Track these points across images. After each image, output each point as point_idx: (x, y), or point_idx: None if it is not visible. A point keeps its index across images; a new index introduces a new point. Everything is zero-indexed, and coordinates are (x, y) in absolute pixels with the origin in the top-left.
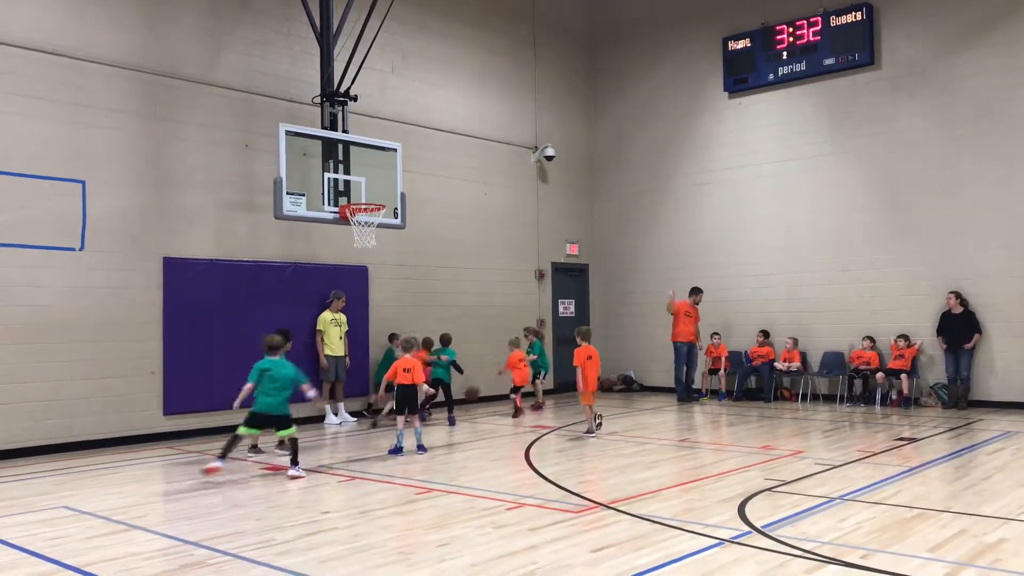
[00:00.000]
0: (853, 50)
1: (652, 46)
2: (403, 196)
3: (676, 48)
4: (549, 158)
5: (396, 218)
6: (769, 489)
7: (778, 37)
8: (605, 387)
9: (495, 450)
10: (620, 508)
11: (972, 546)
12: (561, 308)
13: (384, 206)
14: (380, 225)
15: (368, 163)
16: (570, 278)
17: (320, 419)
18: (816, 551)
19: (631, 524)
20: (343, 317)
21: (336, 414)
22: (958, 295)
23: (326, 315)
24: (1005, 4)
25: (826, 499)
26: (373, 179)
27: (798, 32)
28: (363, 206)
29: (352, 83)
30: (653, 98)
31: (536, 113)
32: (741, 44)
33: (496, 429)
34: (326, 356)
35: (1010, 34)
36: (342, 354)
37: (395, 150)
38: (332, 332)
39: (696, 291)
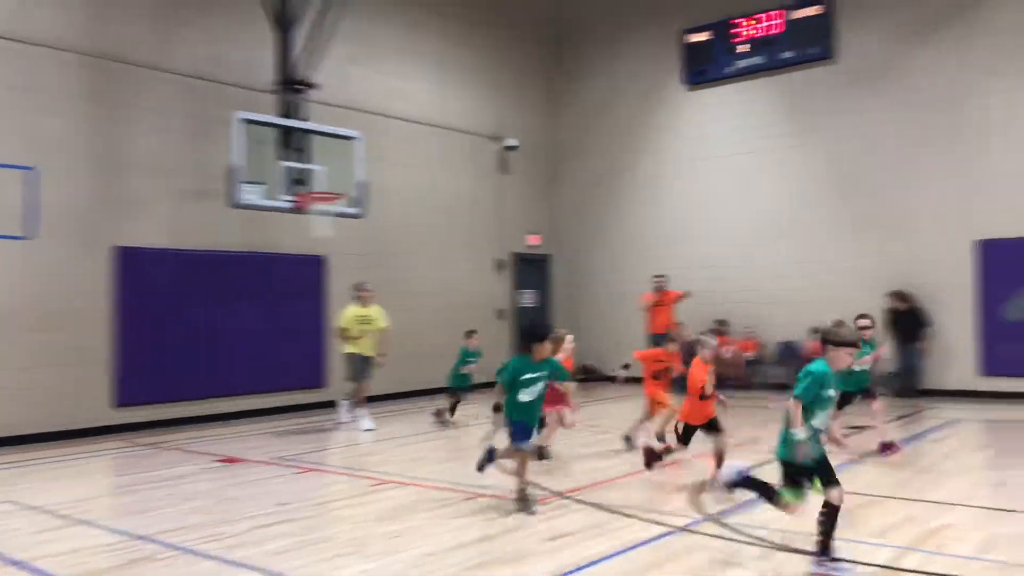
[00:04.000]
0: (812, 44)
1: (614, 37)
2: (363, 185)
3: (637, 40)
4: (511, 148)
5: (356, 207)
6: None
7: (737, 30)
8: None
9: (455, 440)
10: (578, 497)
11: (918, 531)
12: (523, 299)
13: (342, 195)
14: (339, 215)
15: (327, 152)
16: (532, 268)
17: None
18: (767, 538)
19: (588, 513)
20: (375, 311)
21: (347, 415)
22: (899, 294)
23: (350, 311)
24: None
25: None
26: (333, 168)
27: (758, 25)
28: (321, 195)
29: (312, 71)
30: (614, 89)
31: (498, 103)
32: (700, 37)
33: (459, 420)
34: (349, 354)
35: (965, 29)
36: (370, 353)
37: (355, 139)
38: (356, 330)
39: (656, 277)
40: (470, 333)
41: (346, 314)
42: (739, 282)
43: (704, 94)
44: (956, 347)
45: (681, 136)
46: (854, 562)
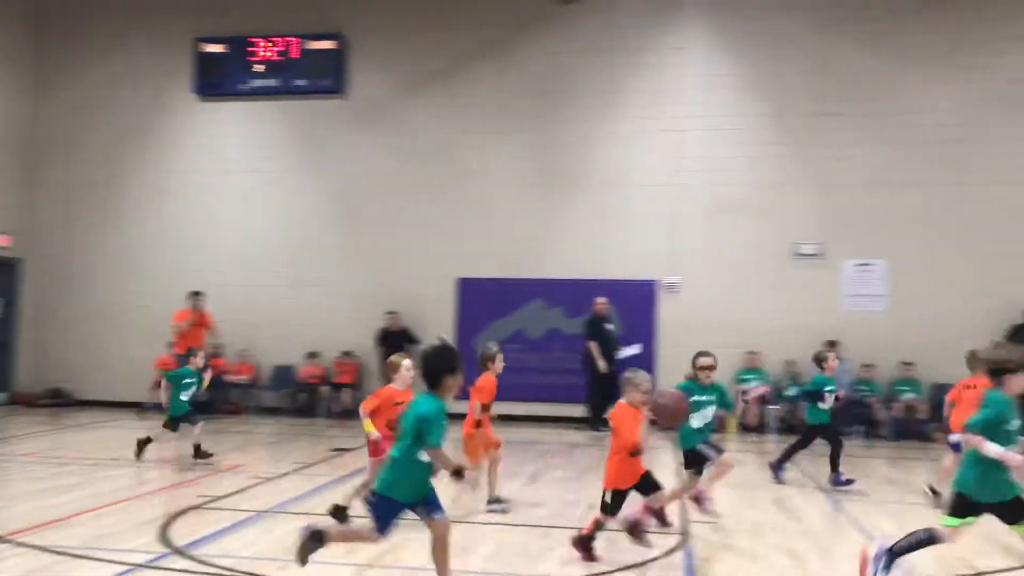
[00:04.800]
0: (324, 76)
1: (116, 28)
2: None
3: (144, 36)
4: None
5: None
6: (198, 506)
7: (254, 49)
8: (27, 401)
9: None
10: (18, 540)
11: (380, 548)
12: None
13: None
14: None
15: None
16: None
17: None
18: (235, 567)
19: (28, 557)
20: None
21: None
22: (392, 315)
23: None
24: (451, 61)
25: (255, 513)
26: None
27: (274, 48)
28: None
29: None
30: (115, 86)
31: None
32: (216, 48)
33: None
34: None
35: (453, 86)
36: None
37: None
38: None
39: (195, 294)
40: (192, 352)
41: None
42: (240, 303)
43: (216, 107)
44: None
45: (189, 147)
46: None
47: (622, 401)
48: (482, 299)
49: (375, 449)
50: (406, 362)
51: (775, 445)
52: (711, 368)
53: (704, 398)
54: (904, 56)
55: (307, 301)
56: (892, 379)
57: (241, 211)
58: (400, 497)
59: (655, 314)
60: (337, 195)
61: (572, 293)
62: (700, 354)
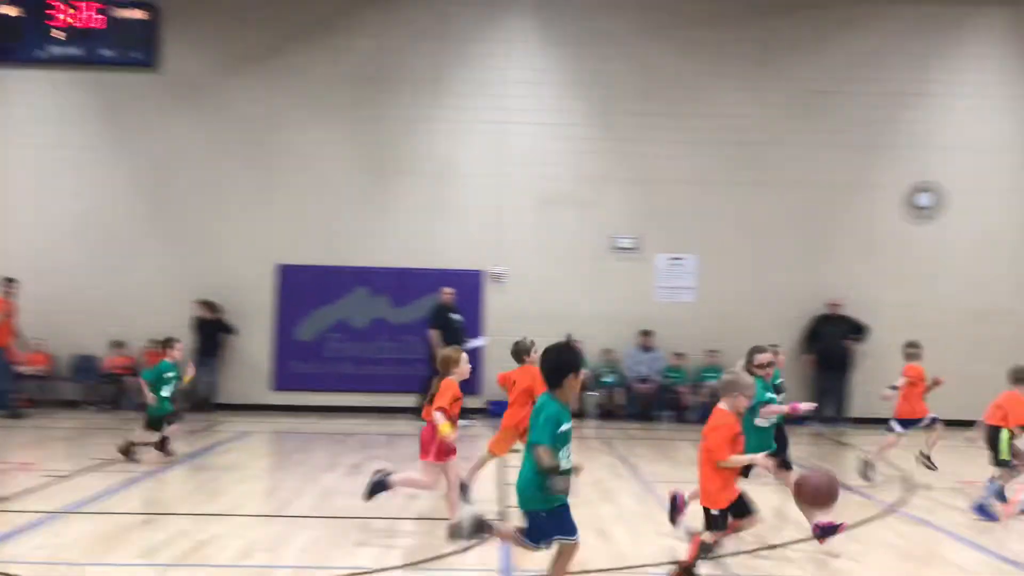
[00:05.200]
0: (134, 48)
1: None
2: None
3: None
4: None
5: None
6: None
7: (54, 13)
8: None
9: None
10: None
11: (186, 546)
12: None
13: None
14: None
15: None
16: None
17: None
18: (21, 574)
19: None
20: None
21: None
22: (206, 303)
23: None
24: (273, 40)
25: (47, 514)
26: None
27: (77, 15)
28: None
29: None
30: None
31: None
32: (8, 10)
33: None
34: None
35: (275, 67)
36: None
37: None
38: None
39: (8, 281)
40: (169, 342)
41: None
42: (34, 288)
43: (11, 75)
44: (254, 362)
45: None
46: None
47: (721, 406)
48: (303, 286)
49: (441, 451)
50: (464, 355)
51: (594, 431)
52: (771, 365)
53: (772, 396)
54: (717, 61)
55: (113, 287)
56: (699, 366)
57: (37, 189)
58: (540, 507)
59: (481, 303)
60: (148, 175)
61: (398, 282)
62: (755, 350)
